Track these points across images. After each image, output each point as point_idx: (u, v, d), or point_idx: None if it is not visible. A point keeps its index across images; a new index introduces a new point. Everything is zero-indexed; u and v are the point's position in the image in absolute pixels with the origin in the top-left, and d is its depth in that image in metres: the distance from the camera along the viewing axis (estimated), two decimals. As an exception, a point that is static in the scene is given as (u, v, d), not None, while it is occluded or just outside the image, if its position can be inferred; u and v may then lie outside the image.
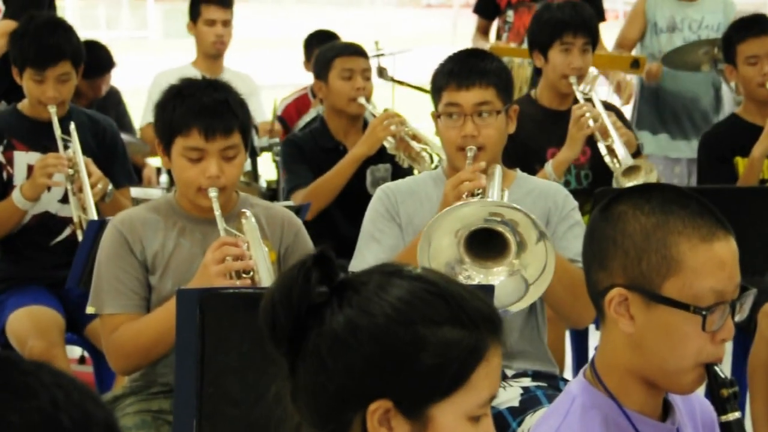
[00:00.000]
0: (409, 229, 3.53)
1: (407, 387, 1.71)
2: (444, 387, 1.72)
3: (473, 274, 3.21)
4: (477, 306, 1.75)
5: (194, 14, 6.23)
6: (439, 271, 1.86)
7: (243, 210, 3.33)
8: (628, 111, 6.42)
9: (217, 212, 3.25)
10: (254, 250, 3.20)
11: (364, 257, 3.52)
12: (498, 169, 3.50)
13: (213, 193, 3.26)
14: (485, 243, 3.20)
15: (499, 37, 6.41)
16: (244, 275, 3.16)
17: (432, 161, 4.86)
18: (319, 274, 1.73)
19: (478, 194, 3.34)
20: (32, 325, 4.28)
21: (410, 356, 1.70)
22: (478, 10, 6.53)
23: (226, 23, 6.26)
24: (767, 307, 4.21)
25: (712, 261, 2.08)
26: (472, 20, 6.72)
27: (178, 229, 3.36)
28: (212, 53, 6.25)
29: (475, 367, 1.73)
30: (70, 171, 4.30)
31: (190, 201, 3.34)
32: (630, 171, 4.59)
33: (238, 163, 3.31)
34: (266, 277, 3.15)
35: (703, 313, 2.06)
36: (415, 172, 4.89)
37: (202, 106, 3.26)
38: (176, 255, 3.33)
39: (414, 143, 4.91)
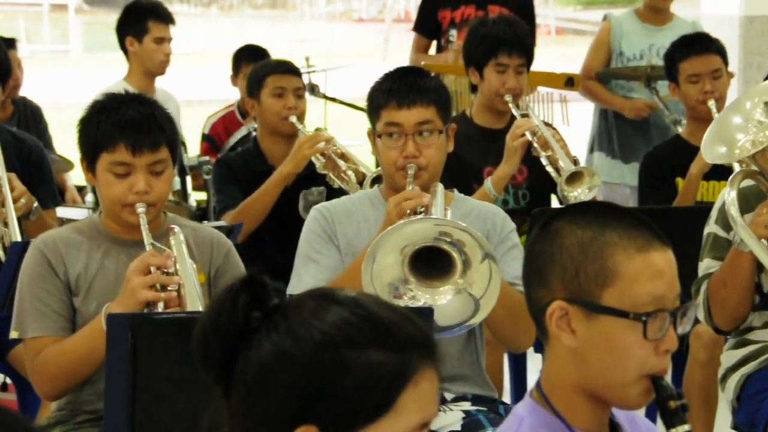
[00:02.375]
0: (348, 250, 3.47)
1: (331, 411, 1.68)
2: (369, 411, 1.69)
3: (419, 294, 3.18)
4: (406, 329, 1.72)
5: (139, 30, 6.08)
6: (374, 295, 1.82)
7: (171, 226, 3.28)
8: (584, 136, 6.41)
9: (144, 227, 3.20)
10: (181, 265, 3.15)
11: (302, 279, 3.45)
12: (440, 188, 3.46)
13: (141, 208, 3.21)
14: (429, 262, 3.16)
15: (441, 56, 6.34)
16: (169, 288, 3.11)
17: (361, 182, 4.78)
18: (247, 298, 1.71)
19: (420, 212, 3.30)
20: None
21: (334, 380, 1.68)
22: (419, 28, 6.41)
23: (170, 41, 6.15)
24: (698, 329, 4.22)
25: (649, 269, 2.09)
26: (405, 35, 6.66)
27: (103, 251, 3.29)
28: (158, 72, 6.13)
29: (401, 391, 1.69)
30: None
31: (117, 218, 3.28)
32: (573, 178, 4.59)
33: (166, 178, 3.26)
34: (193, 294, 3.10)
35: (643, 318, 2.07)
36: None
37: (129, 121, 3.21)
38: (100, 277, 3.26)
39: (341, 162, 4.84)
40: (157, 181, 3.23)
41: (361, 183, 4.74)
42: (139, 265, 3.11)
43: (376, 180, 4.51)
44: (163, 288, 3.11)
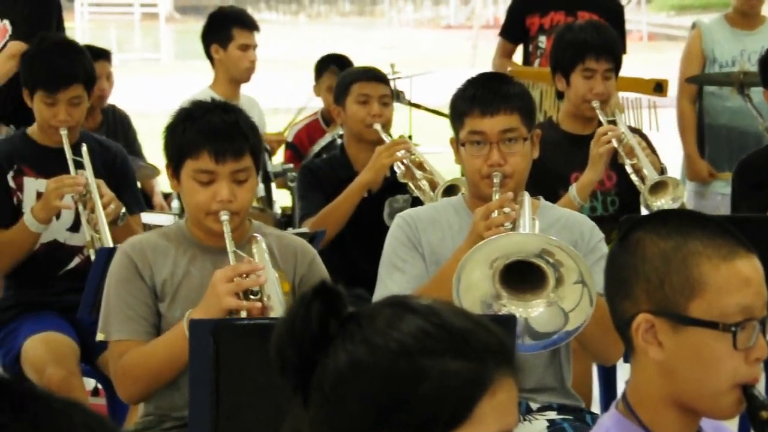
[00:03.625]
0: (432, 258, 3.45)
1: (408, 421, 1.65)
2: (445, 420, 1.65)
3: (512, 309, 3.16)
4: (483, 337, 1.69)
5: (223, 38, 6.10)
6: (450, 303, 1.80)
7: (254, 234, 3.29)
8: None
9: (227, 235, 3.20)
10: (263, 274, 3.16)
11: (387, 287, 3.43)
12: (527, 198, 3.43)
13: (224, 216, 3.22)
14: (519, 274, 3.14)
15: (529, 62, 6.28)
16: (252, 296, 3.12)
17: (432, 192, 4.75)
18: (321, 306, 1.69)
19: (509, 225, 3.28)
20: (49, 352, 4.22)
21: (409, 389, 1.65)
22: (505, 33, 6.37)
23: (255, 48, 6.18)
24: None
25: (736, 278, 2.05)
26: (493, 42, 6.60)
27: (189, 257, 3.31)
28: (244, 79, 6.15)
29: (478, 400, 1.66)
30: (83, 191, 4.24)
31: (201, 225, 3.29)
32: (657, 188, 4.55)
33: (249, 187, 3.27)
34: (276, 302, 3.12)
35: (733, 329, 2.03)
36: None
37: (213, 128, 3.23)
38: (186, 283, 3.28)
39: (417, 171, 4.82)
40: (241, 190, 3.24)
41: (434, 192, 4.72)
42: (226, 273, 3.12)
43: (448, 191, 4.50)
44: (246, 296, 3.12)
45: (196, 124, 3.24)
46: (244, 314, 3.10)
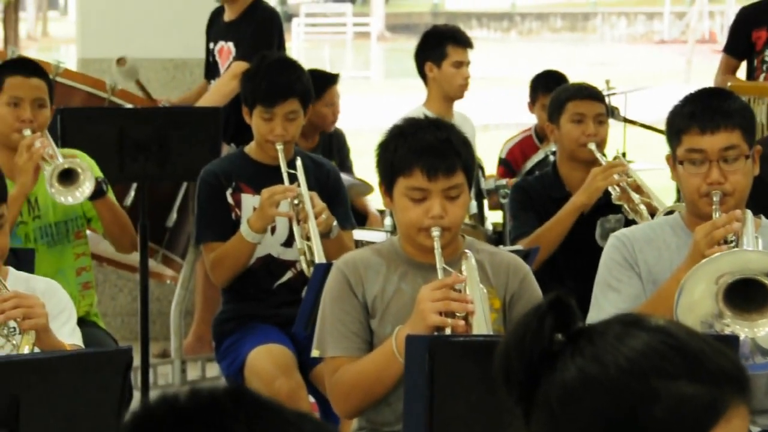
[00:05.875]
0: (648, 278, 3.39)
1: None
2: None
3: (736, 328, 3.09)
4: (719, 362, 1.64)
5: (438, 55, 6.13)
6: (683, 324, 1.75)
7: (464, 251, 3.28)
8: None
9: (437, 251, 3.21)
10: (472, 291, 3.16)
11: (602, 307, 3.39)
12: (750, 216, 3.34)
13: (436, 232, 3.22)
14: (741, 293, 3.08)
15: (753, 77, 6.13)
16: (458, 315, 3.12)
17: (653, 215, 4.66)
18: (553, 320, 1.67)
19: (731, 241, 3.21)
20: (274, 363, 4.30)
21: (642, 409, 1.61)
22: (729, 49, 6.23)
23: (468, 65, 6.20)
24: None
25: None
26: (708, 57, 6.50)
27: (400, 274, 3.33)
28: (457, 96, 6.17)
29: (711, 427, 1.61)
30: (296, 201, 4.31)
31: (413, 242, 3.31)
32: None
33: (461, 203, 3.27)
34: (481, 321, 3.10)
35: None
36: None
37: (425, 146, 3.24)
38: (396, 299, 3.30)
39: (634, 195, 4.74)
40: (453, 206, 3.24)
41: (652, 216, 4.62)
42: (437, 294, 3.13)
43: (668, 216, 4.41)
44: (452, 314, 3.12)
45: (408, 142, 3.26)
46: (448, 331, 3.11)
